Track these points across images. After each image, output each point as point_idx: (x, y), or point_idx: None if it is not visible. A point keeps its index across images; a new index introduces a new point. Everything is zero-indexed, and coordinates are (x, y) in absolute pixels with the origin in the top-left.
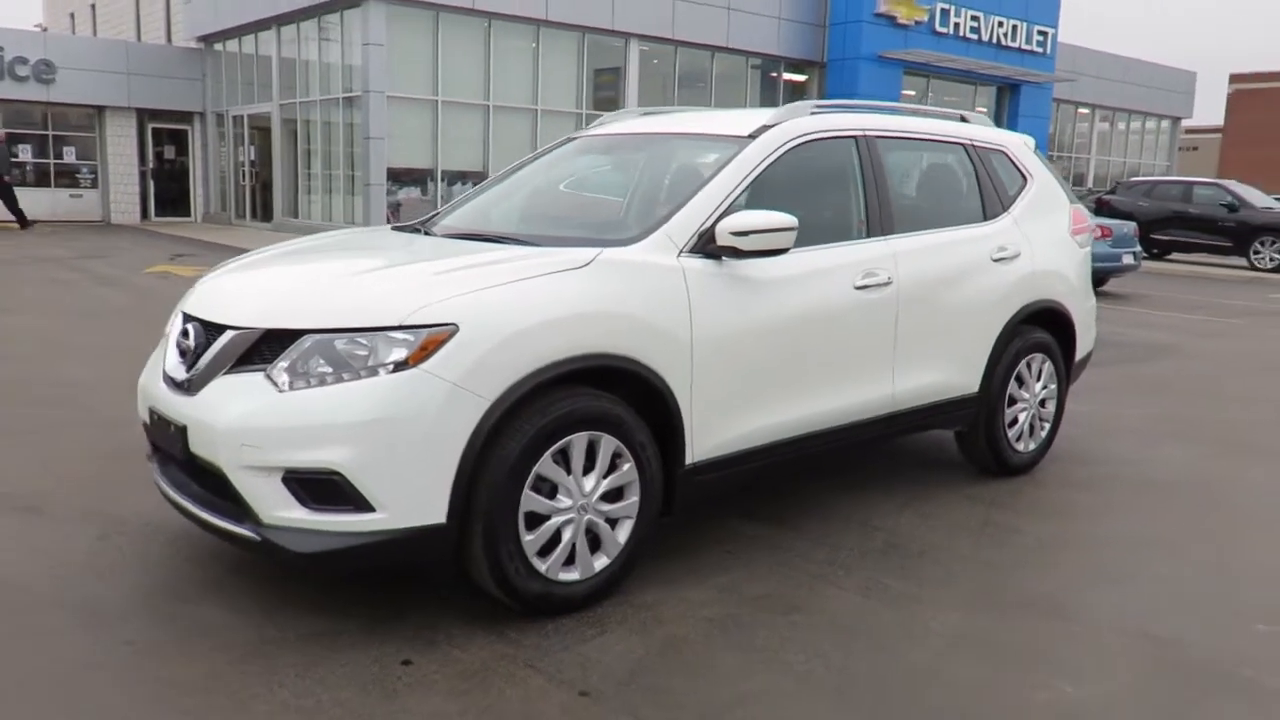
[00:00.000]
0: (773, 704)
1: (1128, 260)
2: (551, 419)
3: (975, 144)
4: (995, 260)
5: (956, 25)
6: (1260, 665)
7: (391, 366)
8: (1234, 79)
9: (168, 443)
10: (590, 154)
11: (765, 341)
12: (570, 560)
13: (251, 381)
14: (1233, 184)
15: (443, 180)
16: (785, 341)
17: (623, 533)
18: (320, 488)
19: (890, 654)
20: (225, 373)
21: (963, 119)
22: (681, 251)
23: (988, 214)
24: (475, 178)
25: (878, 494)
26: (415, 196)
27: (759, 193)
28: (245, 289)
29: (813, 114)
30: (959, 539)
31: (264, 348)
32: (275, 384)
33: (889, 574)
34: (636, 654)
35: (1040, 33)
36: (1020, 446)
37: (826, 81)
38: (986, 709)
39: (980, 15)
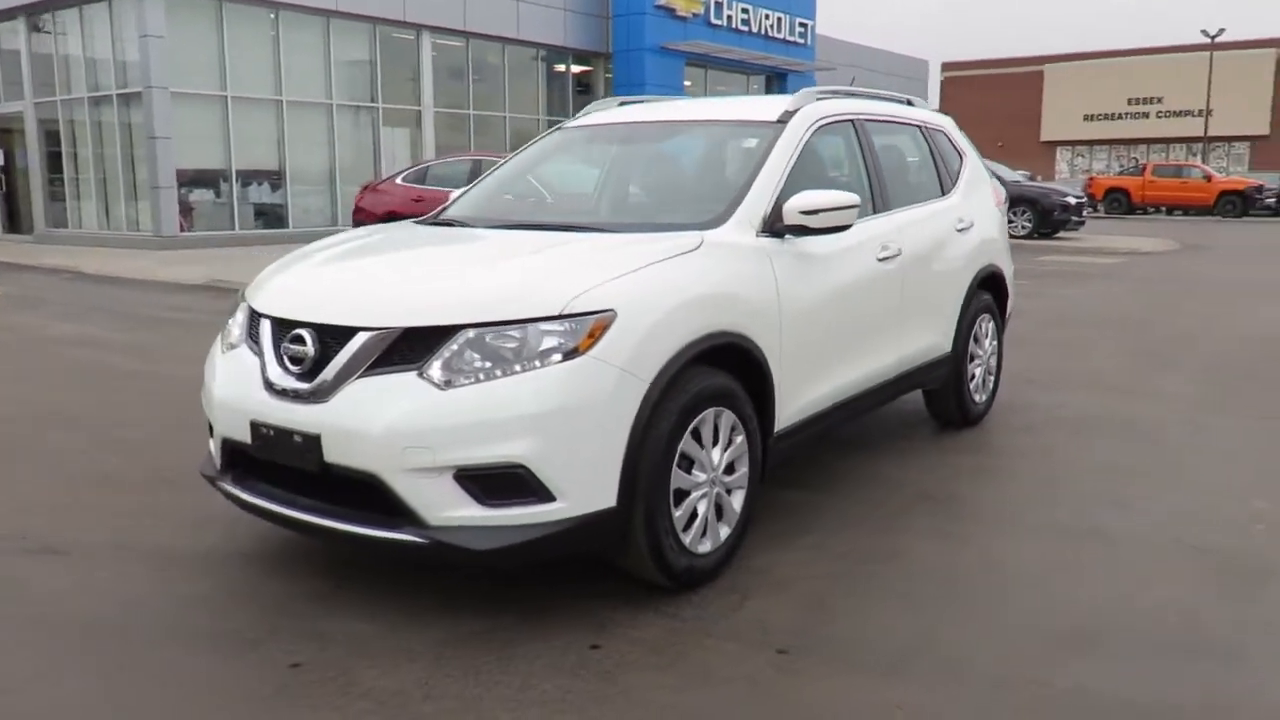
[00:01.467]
0: (950, 634)
1: None
2: (690, 397)
3: (926, 125)
4: (958, 231)
5: (729, 17)
6: None
7: (560, 356)
8: (946, 67)
9: (288, 455)
10: (605, 142)
11: (824, 314)
12: (703, 532)
13: (400, 382)
14: (985, 161)
15: (238, 181)
16: (836, 313)
17: (737, 501)
18: (498, 482)
19: (1002, 579)
20: (359, 376)
21: (909, 103)
22: (757, 232)
23: (944, 189)
24: (272, 178)
25: (864, 453)
26: (209, 199)
27: (796, 174)
28: (368, 289)
29: (819, 100)
30: (970, 484)
31: (404, 347)
32: (433, 383)
33: (939, 519)
34: (794, 612)
35: (801, 24)
36: (978, 398)
37: (614, 73)
38: (1119, 611)
39: (749, 8)
